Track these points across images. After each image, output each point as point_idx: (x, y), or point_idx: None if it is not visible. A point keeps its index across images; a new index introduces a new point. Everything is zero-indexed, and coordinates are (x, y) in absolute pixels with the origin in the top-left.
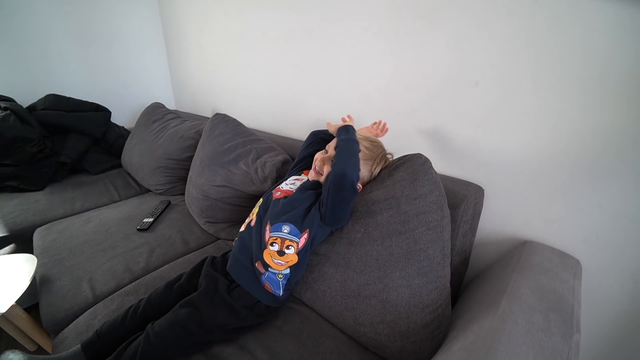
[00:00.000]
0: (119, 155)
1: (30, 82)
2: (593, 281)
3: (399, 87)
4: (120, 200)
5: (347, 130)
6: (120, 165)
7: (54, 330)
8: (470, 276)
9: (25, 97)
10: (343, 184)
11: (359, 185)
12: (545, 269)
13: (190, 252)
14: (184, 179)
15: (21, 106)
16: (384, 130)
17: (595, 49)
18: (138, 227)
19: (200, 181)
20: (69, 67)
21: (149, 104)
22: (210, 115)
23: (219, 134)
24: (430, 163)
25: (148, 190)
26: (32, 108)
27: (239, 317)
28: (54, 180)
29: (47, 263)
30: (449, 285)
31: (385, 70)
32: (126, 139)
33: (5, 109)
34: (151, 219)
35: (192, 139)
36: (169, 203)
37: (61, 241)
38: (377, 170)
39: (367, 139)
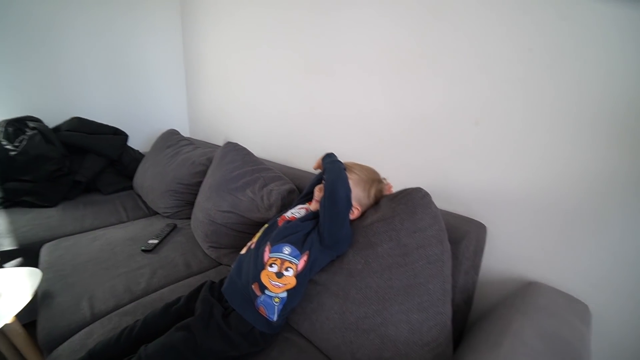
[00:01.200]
0: (131, 177)
1: (58, 105)
2: (602, 328)
3: (403, 122)
4: (128, 220)
5: (329, 156)
6: (131, 187)
7: (48, 347)
8: (475, 316)
9: (53, 118)
10: (335, 197)
11: (357, 208)
12: (551, 312)
13: (192, 276)
14: (191, 204)
15: (47, 127)
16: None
17: (592, 90)
18: (142, 247)
19: (207, 206)
20: (94, 93)
21: (164, 130)
22: (222, 144)
23: (229, 161)
24: (430, 197)
25: (156, 213)
26: (57, 129)
27: (232, 344)
28: (68, 198)
29: (51, 278)
30: (450, 323)
31: (389, 106)
32: (139, 161)
33: (33, 128)
34: (156, 241)
35: (203, 165)
36: (175, 226)
37: (67, 258)
38: (373, 192)
39: (356, 164)
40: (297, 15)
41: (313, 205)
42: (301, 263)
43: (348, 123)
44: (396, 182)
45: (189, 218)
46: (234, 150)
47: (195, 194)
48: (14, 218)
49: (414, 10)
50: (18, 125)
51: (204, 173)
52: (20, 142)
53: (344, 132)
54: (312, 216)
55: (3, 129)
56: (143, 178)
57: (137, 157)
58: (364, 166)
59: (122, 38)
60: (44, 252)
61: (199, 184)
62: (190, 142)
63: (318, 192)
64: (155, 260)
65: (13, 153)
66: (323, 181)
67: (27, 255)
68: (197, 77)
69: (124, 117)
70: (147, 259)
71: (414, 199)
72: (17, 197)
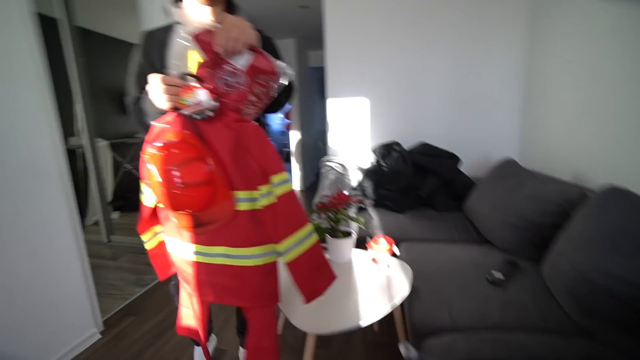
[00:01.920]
0: (461, 199)
1: (411, 132)
2: None
3: None
4: (460, 241)
5: None
6: (460, 209)
7: (418, 333)
8: None
9: (408, 142)
10: None
11: None
12: None
13: (551, 332)
14: (536, 244)
15: (404, 149)
16: None
17: None
18: (488, 278)
19: (578, 259)
20: (436, 121)
21: (494, 157)
22: (570, 180)
23: (620, 215)
24: None
25: (487, 242)
26: (410, 151)
27: None
28: (411, 209)
29: (415, 275)
30: None
31: None
32: (469, 187)
33: (397, 151)
34: (501, 276)
35: (558, 205)
36: (517, 265)
37: (422, 261)
38: None
39: None
40: None
41: None
42: None
43: None
44: None
45: (533, 259)
46: (626, 201)
47: (543, 235)
48: (381, 217)
49: None
50: (388, 149)
51: (557, 214)
52: (390, 161)
53: None
54: None
55: (380, 151)
56: (478, 204)
57: (466, 181)
58: None
59: (465, 71)
60: (403, 250)
61: (550, 225)
62: (533, 174)
63: None
64: (502, 295)
65: (385, 169)
66: None
67: None
68: (537, 103)
69: (457, 142)
70: (494, 291)
71: None
72: (382, 201)
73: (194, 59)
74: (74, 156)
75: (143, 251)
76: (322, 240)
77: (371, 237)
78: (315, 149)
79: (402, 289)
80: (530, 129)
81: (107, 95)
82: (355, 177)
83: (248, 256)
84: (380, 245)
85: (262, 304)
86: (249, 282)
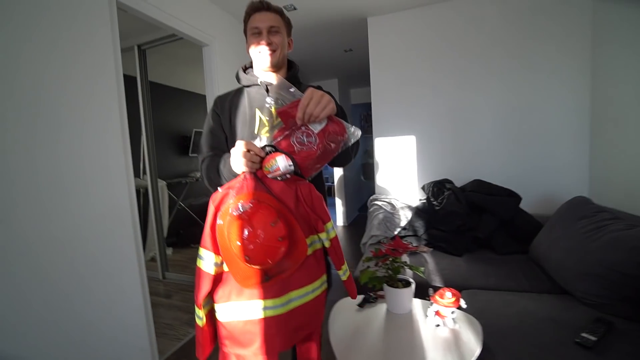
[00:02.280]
0: (524, 240)
1: (464, 169)
2: None
3: None
4: (531, 290)
5: None
6: (525, 252)
7: None
8: None
9: (460, 179)
10: None
11: None
12: None
13: None
14: (632, 300)
15: (457, 187)
16: None
17: None
18: (577, 340)
19: None
20: (492, 158)
21: (559, 194)
22: None
23: None
24: None
25: (565, 292)
26: (463, 189)
27: None
28: (469, 250)
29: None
30: None
31: None
32: (533, 227)
33: (449, 189)
34: (593, 337)
35: None
36: (612, 325)
37: (489, 314)
38: None
39: None
40: None
41: None
42: None
43: None
44: None
45: (629, 319)
46: None
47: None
48: (437, 260)
49: None
50: (439, 186)
51: None
52: (442, 200)
53: None
54: None
55: (431, 188)
56: (549, 248)
57: (529, 220)
58: None
59: (520, 103)
60: (466, 299)
61: None
62: (613, 214)
63: None
64: None
65: (437, 208)
66: None
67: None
68: (610, 132)
69: (515, 179)
70: (586, 357)
71: None
72: (436, 242)
73: (265, 119)
74: (138, 195)
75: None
76: (380, 289)
77: (430, 285)
78: (357, 184)
79: (473, 348)
80: (601, 162)
81: (166, 138)
82: (404, 216)
83: (316, 288)
84: (446, 299)
85: (320, 322)
86: (317, 310)
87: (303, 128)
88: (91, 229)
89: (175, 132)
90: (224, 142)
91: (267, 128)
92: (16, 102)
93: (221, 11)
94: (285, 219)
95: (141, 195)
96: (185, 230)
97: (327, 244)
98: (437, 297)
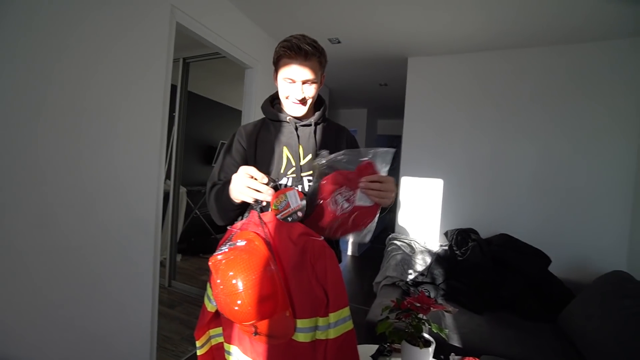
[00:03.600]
0: (552, 307)
1: (490, 221)
2: None
3: None
4: None
5: None
6: (552, 321)
7: None
8: None
9: (485, 231)
10: None
11: None
12: None
13: None
14: None
15: (482, 239)
16: None
17: None
18: None
19: None
20: (521, 213)
21: (592, 262)
22: None
23: None
24: None
25: None
26: (488, 242)
27: None
28: (490, 309)
29: None
30: None
31: None
32: (563, 293)
33: (474, 240)
34: None
35: None
36: None
37: None
38: None
39: None
40: None
41: None
42: None
43: None
44: None
45: None
46: None
47: None
48: (455, 315)
49: None
50: (464, 235)
51: None
52: (466, 250)
53: None
54: None
55: (454, 236)
56: (583, 324)
57: (559, 285)
58: None
59: (559, 162)
60: None
61: None
62: None
63: None
64: None
65: (460, 258)
66: None
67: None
68: None
69: (545, 238)
70: None
71: None
72: (454, 294)
73: (292, 158)
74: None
75: (199, 303)
76: (398, 342)
77: (447, 343)
78: None
79: None
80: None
81: (193, 145)
82: (423, 260)
83: None
84: None
85: None
86: None
87: (348, 193)
88: (117, 234)
89: (203, 141)
90: None
91: (294, 168)
92: (66, 109)
93: (267, 36)
94: (268, 277)
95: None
96: (196, 239)
97: (331, 335)
98: None
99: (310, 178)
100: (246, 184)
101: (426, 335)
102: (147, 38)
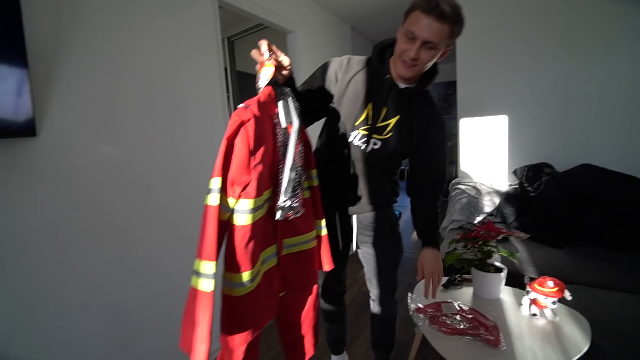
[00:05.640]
0: None
1: (568, 152)
2: None
3: None
4: None
5: None
6: None
7: None
8: None
9: (563, 164)
10: None
11: None
12: None
13: None
14: None
15: (558, 172)
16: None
17: None
18: None
19: None
20: (605, 139)
21: None
22: None
23: None
24: None
25: None
26: (566, 174)
27: None
28: (571, 244)
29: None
30: None
31: None
32: None
33: (548, 174)
34: None
35: None
36: None
37: (599, 313)
38: None
39: None
40: None
41: None
42: None
43: None
44: None
45: None
46: None
47: None
48: (530, 249)
49: None
50: (535, 171)
51: None
52: (538, 185)
53: None
54: None
55: (525, 173)
56: None
57: None
58: None
59: None
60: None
61: None
62: None
63: None
64: None
65: (532, 194)
66: None
67: None
68: None
69: (637, 162)
70: None
71: None
72: (528, 231)
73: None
74: None
75: None
76: (467, 272)
77: (521, 274)
78: None
79: (578, 343)
80: None
81: None
82: (491, 201)
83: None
84: (547, 288)
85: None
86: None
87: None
88: (176, 226)
89: None
90: (317, 101)
91: (368, 127)
92: (131, 101)
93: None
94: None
95: None
96: None
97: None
98: (536, 285)
99: (377, 139)
100: (261, 47)
101: (497, 263)
102: (194, 20)
